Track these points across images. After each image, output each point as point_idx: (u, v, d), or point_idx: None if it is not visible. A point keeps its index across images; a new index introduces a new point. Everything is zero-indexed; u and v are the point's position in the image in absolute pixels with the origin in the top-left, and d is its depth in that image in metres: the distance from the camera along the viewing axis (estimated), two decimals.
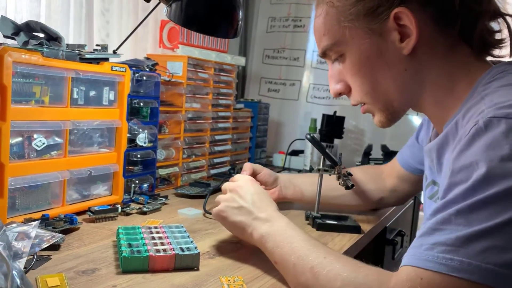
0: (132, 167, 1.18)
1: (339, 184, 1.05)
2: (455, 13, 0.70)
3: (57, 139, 0.95)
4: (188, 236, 0.83)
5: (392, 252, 1.36)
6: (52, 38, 0.92)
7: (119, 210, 1.02)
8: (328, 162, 1.05)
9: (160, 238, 0.82)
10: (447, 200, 0.59)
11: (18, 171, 0.86)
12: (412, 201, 1.69)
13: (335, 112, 1.87)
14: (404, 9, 0.69)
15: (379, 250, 1.33)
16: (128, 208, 1.06)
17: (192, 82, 1.41)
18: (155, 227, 0.87)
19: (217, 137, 1.54)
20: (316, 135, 1.11)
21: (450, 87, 0.74)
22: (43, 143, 0.91)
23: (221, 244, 0.89)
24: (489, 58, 0.76)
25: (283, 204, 1.18)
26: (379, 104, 0.78)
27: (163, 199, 1.17)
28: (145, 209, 1.07)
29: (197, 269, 0.76)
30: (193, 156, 1.43)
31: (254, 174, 1.12)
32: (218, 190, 1.34)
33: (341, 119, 1.87)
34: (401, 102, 0.78)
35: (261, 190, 0.86)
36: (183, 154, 1.39)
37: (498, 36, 0.74)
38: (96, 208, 0.98)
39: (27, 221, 0.85)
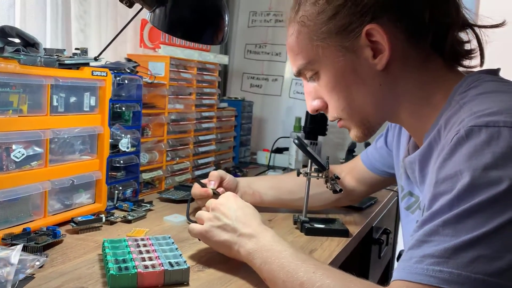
0: (115, 173, 1.15)
1: (327, 187, 1.04)
2: (426, 27, 0.71)
3: (37, 149, 0.91)
4: (177, 249, 0.82)
5: (378, 251, 1.37)
6: (29, 44, 0.88)
7: (103, 219, 1.00)
8: (315, 166, 1.04)
9: (147, 251, 0.80)
10: (433, 211, 0.59)
11: None
12: (396, 197, 1.70)
13: None
14: (375, 25, 0.70)
15: (365, 250, 1.34)
16: (112, 217, 1.03)
17: (174, 83, 1.37)
18: (142, 239, 0.85)
19: (201, 138, 1.51)
20: (301, 135, 1.09)
21: (426, 98, 0.74)
22: (23, 154, 0.88)
23: (209, 255, 0.88)
24: (461, 69, 0.77)
25: (270, 208, 1.17)
26: (355, 119, 0.79)
27: (148, 205, 1.15)
28: (130, 217, 1.04)
29: (187, 284, 0.74)
30: (177, 159, 1.41)
31: (220, 181, 1.11)
32: None
33: (325, 116, 1.85)
34: (377, 117, 0.79)
35: (244, 204, 0.85)
36: (167, 157, 1.37)
37: (467, 47, 0.75)
38: (79, 218, 0.95)
39: (7, 236, 0.82)
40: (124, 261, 0.75)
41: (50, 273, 0.75)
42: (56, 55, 0.96)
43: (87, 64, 1.00)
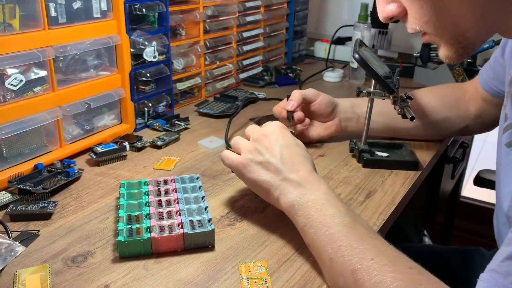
0: (143, 87, 0.99)
1: (396, 111, 0.82)
2: None
3: (38, 71, 0.77)
4: (203, 198, 0.68)
5: (452, 170, 1.17)
6: None
7: (128, 148, 0.87)
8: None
9: (168, 203, 0.67)
10: None
11: None
12: None
13: None
14: None
15: (437, 168, 1.14)
16: (139, 142, 0.90)
17: None
18: (165, 182, 0.72)
19: (245, 34, 1.29)
20: (366, 52, 0.82)
21: None
22: (20, 80, 0.73)
23: (245, 198, 0.74)
24: None
25: None
26: (445, 35, 0.55)
27: (183, 123, 1.00)
28: (159, 142, 0.91)
29: (212, 248, 0.62)
30: (217, 62, 1.22)
31: (306, 104, 0.91)
32: (247, 104, 1.15)
33: None
34: (478, 32, 0.54)
35: (294, 142, 0.66)
36: (205, 61, 1.18)
37: None
38: (99, 149, 0.83)
39: (14, 179, 0.72)
40: (137, 218, 0.63)
41: (57, 229, 0.65)
42: None
43: None
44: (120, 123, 0.96)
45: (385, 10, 0.58)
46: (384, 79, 0.78)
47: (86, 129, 0.88)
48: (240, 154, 0.66)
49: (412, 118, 0.78)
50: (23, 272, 0.55)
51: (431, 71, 1.35)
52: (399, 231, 1.17)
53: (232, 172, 0.68)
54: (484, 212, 1.89)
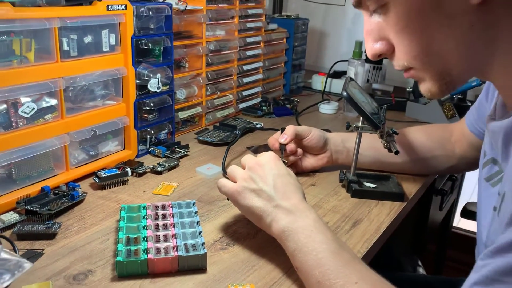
0: (146, 115, 1.05)
1: (383, 145, 0.88)
2: None
3: (49, 100, 0.82)
4: (198, 223, 0.72)
5: (440, 202, 1.21)
6: None
7: (129, 173, 0.92)
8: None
9: (165, 227, 0.71)
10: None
11: (6, 145, 0.76)
12: None
13: None
14: None
15: (425, 199, 1.19)
16: (140, 168, 0.95)
17: (213, 6, 1.20)
18: (163, 207, 0.77)
19: (245, 67, 1.36)
20: (354, 90, 0.88)
21: None
22: (33, 109, 0.79)
23: (238, 224, 0.78)
24: None
25: None
26: (431, 70, 0.59)
27: (182, 150, 1.06)
28: (159, 168, 0.96)
29: (204, 270, 0.66)
30: (218, 92, 1.28)
31: (299, 139, 0.96)
32: (245, 133, 1.21)
33: None
34: (462, 70, 0.58)
35: (286, 171, 0.71)
36: (207, 91, 1.24)
37: None
38: (103, 173, 0.88)
39: (22, 200, 0.77)
40: (136, 241, 0.67)
41: (61, 248, 0.69)
42: None
43: None
44: (123, 149, 1.01)
45: (373, 48, 0.62)
46: (371, 115, 0.84)
47: (91, 155, 0.94)
48: (235, 182, 0.71)
49: (396, 152, 0.83)
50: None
51: (422, 106, 1.41)
52: (393, 260, 1.21)
53: (228, 199, 0.73)
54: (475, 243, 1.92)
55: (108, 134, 0.98)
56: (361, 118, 0.89)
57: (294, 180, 0.71)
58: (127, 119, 0.98)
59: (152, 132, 1.07)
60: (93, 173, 0.90)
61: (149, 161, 1.01)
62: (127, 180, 0.92)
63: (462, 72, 0.59)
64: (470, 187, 2.78)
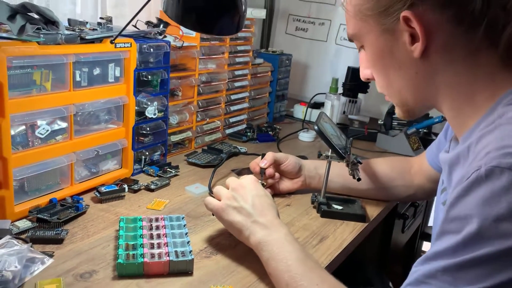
0: (142, 138, 1.18)
1: (348, 173, 1.02)
2: (478, 15, 0.61)
3: (61, 123, 0.95)
4: (186, 234, 0.85)
5: (402, 225, 1.36)
6: (50, 21, 0.88)
7: (126, 189, 1.04)
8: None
9: (158, 236, 0.84)
10: (437, 251, 0.57)
11: (23, 161, 0.88)
12: None
13: None
14: (410, 13, 0.63)
15: (388, 222, 1.33)
16: (136, 185, 1.08)
17: (206, 43, 1.34)
18: (156, 219, 0.89)
19: (233, 97, 1.50)
20: (326, 124, 1.02)
21: (469, 95, 0.67)
22: (47, 130, 0.92)
23: (221, 237, 0.91)
24: None
25: None
26: (394, 99, 0.75)
27: (173, 171, 1.18)
28: (152, 186, 1.09)
29: (191, 273, 0.78)
30: (207, 119, 1.41)
31: (277, 164, 1.10)
32: (230, 156, 1.34)
33: None
34: (416, 102, 0.73)
35: (264, 193, 0.85)
36: (197, 117, 1.37)
37: None
38: (103, 189, 1.00)
39: (33, 209, 0.88)
40: (133, 247, 0.79)
41: (68, 251, 0.81)
42: (79, 29, 0.96)
43: (110, 36, 0.99)
44: (121, 167, 1.13)
45: (363, 72, 0.78)
46: (337, 146, 0.98)
47: (92, 172, 1.06)
48: (220, 200, 0.85)
49: (358, 179, 0.98)
50: (43, 283, 0.71)
51: (391, 138, 1.57)
52: (363, 278, 1.33)
53: (213, 215, 0.86)
54: None
55: (108, 154, 1.10)
56: (330, 149, 1.03)
57: (270, 200, 0.85)
58: (126, 141, 1.11)
59: (147, 153, 1.20)
60: (94, 188, 1.02)
61: (143, 179, 1.14)
62: (124, 195, 1.04)
63: (416, 104, 0.74)
64: None
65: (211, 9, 0.74)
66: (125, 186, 1.04)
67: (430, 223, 1.44)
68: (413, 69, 0.68)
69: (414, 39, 0.65)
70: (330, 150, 1.03)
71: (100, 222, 0.93)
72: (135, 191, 1.07)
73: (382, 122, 1.67)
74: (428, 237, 1.27)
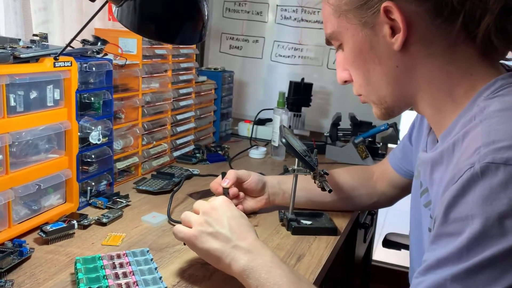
0: (86, 167, 1.06)
1: (317, 185, 0.98)
2: (456, 7, 0.61)
3: None
4: (156, 269, 0.75)
5: (364, 235, 1.34)
6: None
7: (76, 226, 0.92)
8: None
9: (124, 275, 0.73)
10: (441, 257, 0.54)
11: None
12: None
13: (302, 79, 1.78)
14: (391, 3, 0.62)
15: (351, 233, 1.31)
16: (85, 220, 0.96)
17: (148, 60, 1.26)
18: (118, 256, 0.79)
19: (179, 117, 1.42)
20: (289, 136, 0.99)
21: (448, 90, 0.67)
22: None
23: (192, 268, 0.82)
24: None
25: None
26: (372, 97, 0.74)
27: (124, 200, 1.07)
28: (104, 220, 0.97)
29: None
30: (154, 142, 1.32)
31: (239, 182, 1.03)
32: (184, 180, 1.25)
33: (309, 86, 1.78)
34: (394, 99, 0.72)
35: (239, 213, 0.78)
36: (142, 141, 1.28)
37: None
38: (48, 227, 0.88)
39: None
40: None
41: None
42: (10, 47, 0.84)
43: (47, 55, 0.88)
44: (65, 202, 1.01)
45: (340, 75, 0.76)
46: (304, 157, 0.94)
47: (33, 209, 0.92)
48: (191, 227, 0.76)
49: (330, 191, 0.94)
50: None
51: (340, 149, 1.57)
52: None
53: (185, 244, 0.77)
54: (397, 275, 2.10)
55: (49, 188, 0.97)
56: (296, 160, 0.99)
57: (246, 220, 0.78)
58: (70, 172, 0.98)
59: (93, 183, 1.08)
60: (38, 228, 0.89)
61: (91, 212, 1.02)
62: (74, 233, 0.92)
63: (395, 101, 0.72)
64: (393, 219, 2.99)
65: (173, 15, 0.67)
66: (74, 222, 0.92)
67: (388, 230, 1.44)
68: (393, 62, 0.67)
69: (394, 31, 0.65)
70: (297, 162, 0.99)
71: (50, 266, 0.80)
72: (85, 227, 0.95)
73: (327, 134, 1.68)
74: (393, 245, 1.27)
